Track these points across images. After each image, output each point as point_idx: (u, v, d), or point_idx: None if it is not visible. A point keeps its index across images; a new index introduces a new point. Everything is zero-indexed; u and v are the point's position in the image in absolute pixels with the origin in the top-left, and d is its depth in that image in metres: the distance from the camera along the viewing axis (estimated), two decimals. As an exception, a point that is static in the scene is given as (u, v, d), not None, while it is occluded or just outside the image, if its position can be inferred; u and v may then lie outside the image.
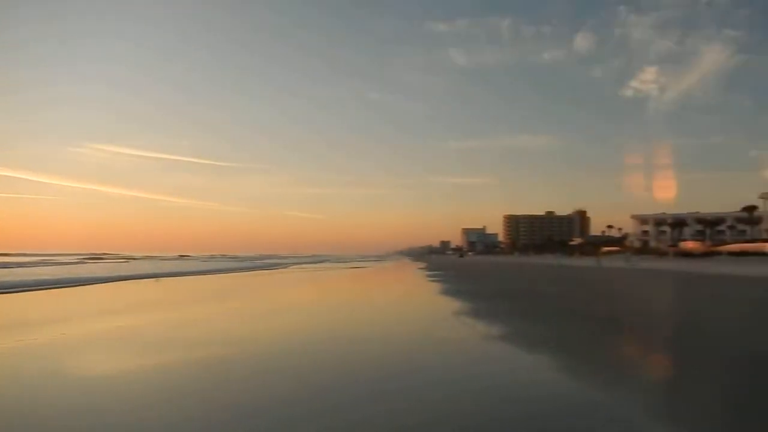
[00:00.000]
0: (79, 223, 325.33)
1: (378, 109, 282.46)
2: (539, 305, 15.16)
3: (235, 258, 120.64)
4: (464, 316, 11.88)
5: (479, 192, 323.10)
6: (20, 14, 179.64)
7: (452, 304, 14.69)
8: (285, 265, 63.70)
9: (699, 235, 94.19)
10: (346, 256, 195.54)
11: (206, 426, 4.45)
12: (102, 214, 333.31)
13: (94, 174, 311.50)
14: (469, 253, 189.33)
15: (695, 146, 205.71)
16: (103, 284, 25.05)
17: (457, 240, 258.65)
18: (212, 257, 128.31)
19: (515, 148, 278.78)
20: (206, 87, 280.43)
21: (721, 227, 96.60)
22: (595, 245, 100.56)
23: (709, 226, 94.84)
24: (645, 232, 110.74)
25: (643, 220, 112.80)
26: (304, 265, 66.44)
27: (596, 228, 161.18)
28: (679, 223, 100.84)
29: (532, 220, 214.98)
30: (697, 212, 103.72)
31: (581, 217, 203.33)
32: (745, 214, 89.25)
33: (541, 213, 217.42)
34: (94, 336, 9.83)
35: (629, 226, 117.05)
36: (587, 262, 60.94)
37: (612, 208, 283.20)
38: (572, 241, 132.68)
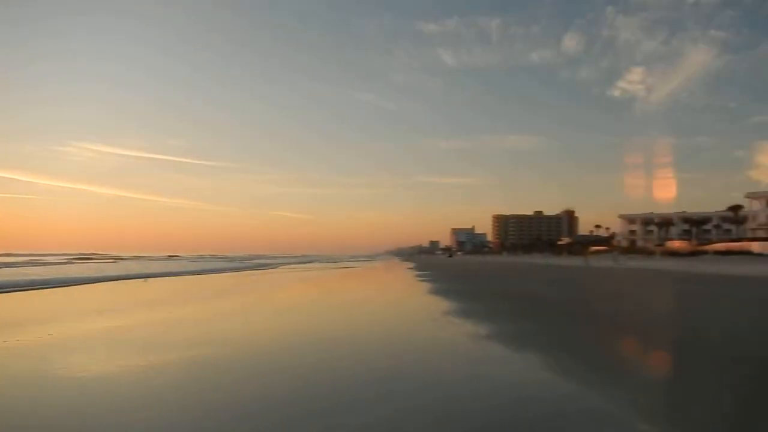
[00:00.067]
0: (66, 223, 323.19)
1: (367, 108, 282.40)
2: (527, 304, 15.28)
3: (224, 258, 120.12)
4: (452, 315, 11.96)
5: (468, 192, 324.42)
6: (7, 15, 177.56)
7: (440, 304, 14.78)
8: (274, 266, 63.53)
9: (685, 235, 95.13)
10: (335, 256, 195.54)
11: (194, 427, 4.47)
12: (90, 213, 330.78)
13: (81, 173, 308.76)
14: (458, 253, 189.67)
15: (682, 146, 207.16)
16: (90, 285, 24.89)
17: (446, 240, 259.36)
18: (201, 257, 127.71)
19: (504, 148, 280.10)
20: (195, 87, 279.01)
21: (708, 226, 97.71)
22: (583, 245, 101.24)
23: (696, 225, 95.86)
24: (632, 232, 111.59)
25: (630, 219, 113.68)
26: (293, 266, 66.31)
27: (584, 228, 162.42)
28: (665, 222, 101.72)
29: (520, 219, 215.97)
30: (684, 212, 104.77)
31: (569, 216, 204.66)
32: (730, 214, 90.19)
33: (530, 213, 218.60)
34: (82, 337, 9.78)
35: (617, 226, 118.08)
36: (575, 261, 61.29)
37: (600, 208, 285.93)
38: (560, 240, 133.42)
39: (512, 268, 47.46)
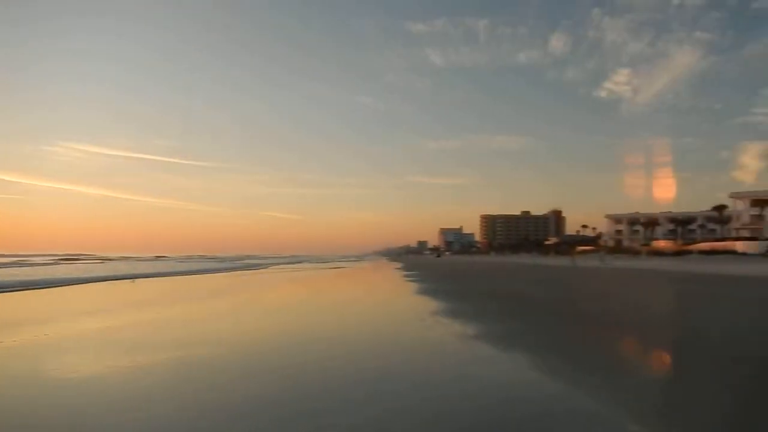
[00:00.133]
0: (53, 224, 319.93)
1: (355, 109, 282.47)
2: (514, 304, 15.41)
3: (213, 259, 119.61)
4: (440, 315, 12.05)
5: (456, 192, 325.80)
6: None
7: (428, 304, 14.87)
8: (264, 266, 63.36)
9: (671, 234, 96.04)
10: (324, 256, 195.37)
11: (186, 427, 4.50)
12: (77, 214, 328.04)
13: (68, 173, 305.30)
14: (446, 253, 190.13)
15: (667, 147, 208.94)
16: (77, 285, 24.73)
17: (434, 240, 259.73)
18: (189, 258, 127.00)
19: (491, 148, 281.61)
20: (183, 86, 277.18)
21: (693, 226, 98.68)
22: (570, 245, 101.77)
23: (681, 225, 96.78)
24: (619, 232, 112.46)
25: (616, 219, 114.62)
26: (282, 266, 66.15)
27: (571, 227, 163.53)
28: (651, 222, 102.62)
29: (508, 220, 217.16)
30: (670, 212, 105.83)
31: (557, 216, 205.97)
32: (715, 214, 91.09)
33: (517, 213, 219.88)
34: (69, 338, 9.68)
35: (603, 226, 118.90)
36: (562, 261, 61.71)
37: (587, 208, 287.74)
38: (548, 240, 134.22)
39: (500, 268, 47.70)
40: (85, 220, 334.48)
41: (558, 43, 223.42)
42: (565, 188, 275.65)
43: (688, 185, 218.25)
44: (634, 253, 79.57)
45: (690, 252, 69.69)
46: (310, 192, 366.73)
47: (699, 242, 78.99)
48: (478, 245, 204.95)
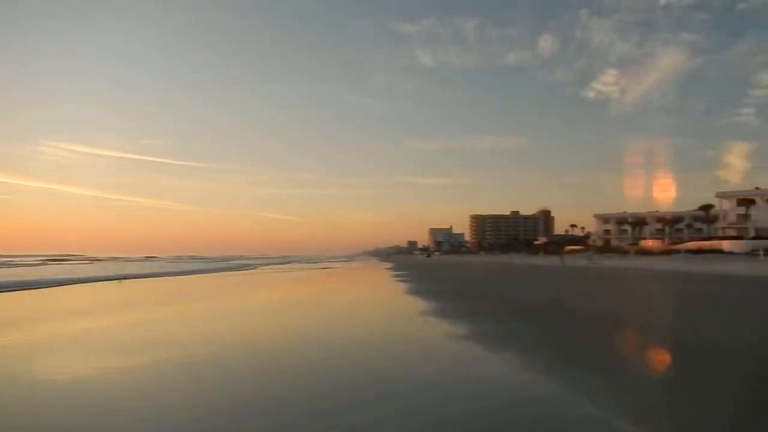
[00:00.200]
0: (41, 224, 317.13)
1: (345, 109, 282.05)
2: (503, 304, 15.44)
3: (202, 259, 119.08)
4: (430, 315, 12.06)
5: (446, 192, 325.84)
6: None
7: (418, 304, 14.88)
8: (253, 266, 63.18)
9: (658, 234, 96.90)
10: (314, 256, 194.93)
11: (179, 428, 4.49)
12: (65, 214, 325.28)
13: (56, 173, 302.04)
14: (436, 253, 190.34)
15: (654, 147, 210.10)
16: (64, 286, 24.50)
17: (424, 240, 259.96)
18: (179, 258, 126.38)
19: (481, 148, 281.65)
20: (174, 87, 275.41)
21: (680, 226, 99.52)
22: (558, 244, 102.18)
23: (668, 224, 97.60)
24: (607, 231, 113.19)
25: (605, 219, 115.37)
26: (272, 267, 65.99)
27: (560, 227, 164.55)
28: (639, 222, 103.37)
29: (497, 219, 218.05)
30: (657, 211, 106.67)
31: (545, 216, 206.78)
32: (701, 213, 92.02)
33: (507, 213, 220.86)
34: (54, 339, 9.55)
35: (592, 226, 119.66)
36: (551, 260, 61.99)
37: (575, 208, 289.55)
38: (537, 240, 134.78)
39: (489, 267, 47.85)
40: (74, 220, 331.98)
41: (546, 43, 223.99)
42: (554, 188, 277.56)
43: (675, 185, 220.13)
44: (622, 252, 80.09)
45: (677, 251, 70.24)
46: (301, 192, 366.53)
47: (686, 241, 79.67)
48: (468, 245, 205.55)
